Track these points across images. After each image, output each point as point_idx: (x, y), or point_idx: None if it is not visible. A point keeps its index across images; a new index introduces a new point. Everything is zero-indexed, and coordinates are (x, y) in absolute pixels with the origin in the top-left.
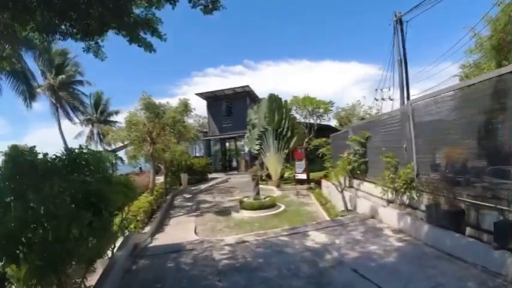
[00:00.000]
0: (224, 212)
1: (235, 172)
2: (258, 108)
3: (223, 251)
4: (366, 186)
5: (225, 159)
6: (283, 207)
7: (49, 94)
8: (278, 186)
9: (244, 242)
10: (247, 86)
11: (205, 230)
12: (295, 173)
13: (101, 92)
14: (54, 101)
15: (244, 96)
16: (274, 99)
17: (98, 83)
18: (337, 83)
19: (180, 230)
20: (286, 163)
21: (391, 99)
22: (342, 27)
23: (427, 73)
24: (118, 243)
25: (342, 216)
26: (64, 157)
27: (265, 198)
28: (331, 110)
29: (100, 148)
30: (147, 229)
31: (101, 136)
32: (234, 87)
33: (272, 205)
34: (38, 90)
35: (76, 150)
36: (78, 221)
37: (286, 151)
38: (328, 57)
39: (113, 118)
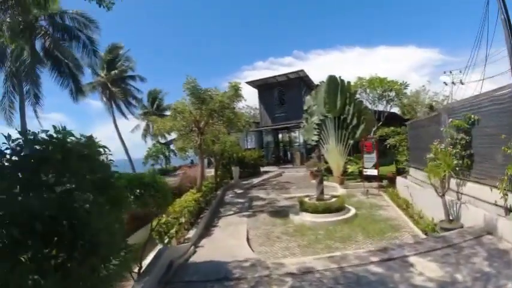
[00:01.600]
0: (281, 213)
1: (290, 165)
2: (316, 94)
3: (285, 287)
4: (471, 187)
5: (278, 152)
6: (353, 210)
7: (101, 90)
8: (341, 183)
9: (312, 271)
10: (302, 71)
11: (259, 236)
12: (363, 167)
13: (159, 89)
14: (107, 97)
15: (299, 83)
16: (334, 81)
17: (151, 82)
18: (394, 69)
19: (230, 235)
20: (349, 156)
21: (462, 83)
22: (398, 9)
23: (490, 57)
24: (151, 257)
25: (443, 229)
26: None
27: (330, 199)
28: (405, 93)
29: (153, 141)
30: (192, 233)
31: None
32: (287, 73)
33: (340, 208)
34: (87, 87)
35: (43, 136)
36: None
37: (352, 142)
38: (383, 42)
39: (168, 112)
